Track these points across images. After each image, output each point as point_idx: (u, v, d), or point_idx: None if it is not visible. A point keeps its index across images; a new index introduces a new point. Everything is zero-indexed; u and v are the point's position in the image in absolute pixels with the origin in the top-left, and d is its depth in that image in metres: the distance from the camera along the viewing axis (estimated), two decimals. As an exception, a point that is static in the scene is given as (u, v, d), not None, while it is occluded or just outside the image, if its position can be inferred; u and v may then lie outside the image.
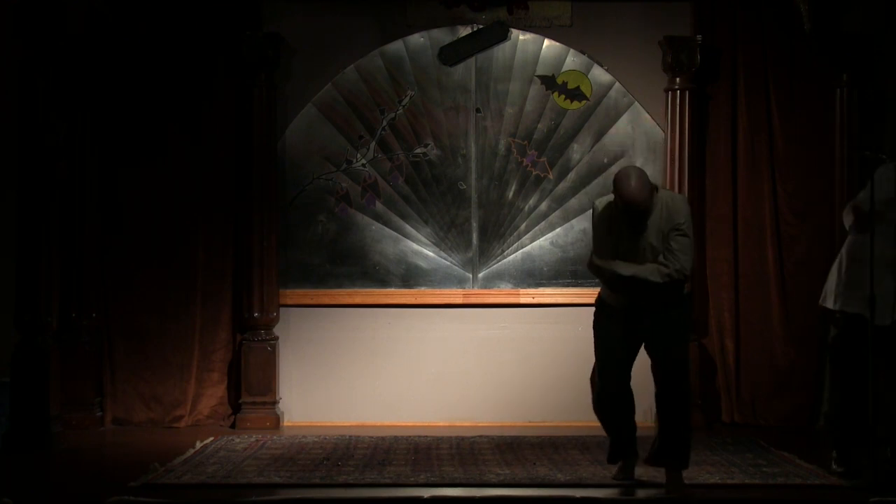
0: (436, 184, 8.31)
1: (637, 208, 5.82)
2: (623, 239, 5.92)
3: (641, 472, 6.27)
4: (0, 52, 7.63)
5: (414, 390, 8.24)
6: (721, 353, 8.14)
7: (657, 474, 6.26)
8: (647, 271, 5.88)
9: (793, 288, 8.10)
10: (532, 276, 8.30)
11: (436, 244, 8.31)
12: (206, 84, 8.15)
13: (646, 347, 6.10)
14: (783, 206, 8.14)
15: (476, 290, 8.30)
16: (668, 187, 7.82)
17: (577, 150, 8.29)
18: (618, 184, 5.85)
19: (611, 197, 6.01)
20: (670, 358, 5.99)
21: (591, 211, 6.14)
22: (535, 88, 8.29)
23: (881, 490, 5.85)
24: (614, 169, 8.01)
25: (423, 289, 8.30)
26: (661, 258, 5.89)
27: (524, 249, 8.30)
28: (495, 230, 8.31)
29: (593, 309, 6.23)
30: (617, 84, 8.27)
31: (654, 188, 5.90)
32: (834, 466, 6.41)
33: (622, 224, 5.91)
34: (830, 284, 6.55)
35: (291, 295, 8.25)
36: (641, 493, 6.09)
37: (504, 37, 8.30)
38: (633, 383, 6.16)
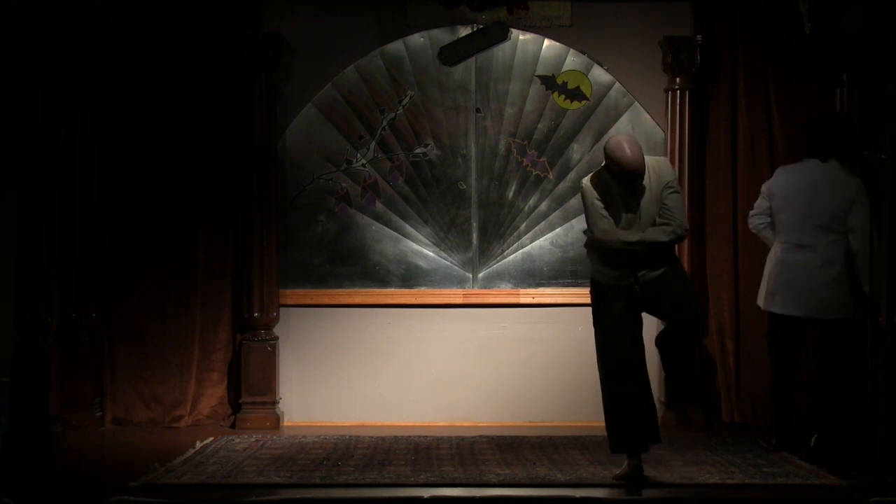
0: (436, 184, 8.31)
1: (636, 172, 5.98)
2: (619, 208, 6.02)
3: (648, 471, 6.26)
4: (0, 52, 7.63)
5: (414, 390, 8.24)
6: (721, 353, 8.14)
7: (657, 474, 6.26)
8: (653, 234, 6.05)
9: (793, 288, 8.10)
10: (532, 276, 8.30)
11: (436, 244, 8.31)
12: (206, 84, 8.15)
13: (655, 311, 6.24)
14: (783, 206, 8.13)
15: (476, 290, 8.30)
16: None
17: (577, 150, 8.29)
18: (614, 153, 6.00)
19: (595, 172, 6.19)
20: (682, 299, 6.12)
21: (580, 195, 6.23)
22: (535, 88, 8.29)
23: (881, 490, 5.86)
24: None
25: (423, 289, 8.30)
26: (658, 219, 6.04)
27: (524, 249, 8.31)
28: (495, 230, 8.31)
29: (591, 298, 6.30)
30: (617, 84, 8.28)
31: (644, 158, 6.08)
32: (773, 442, 7.05)
33: (616, 193, 6.03)
34: (763, 285, 7.18)
35: (291, 295, 8.25)
36: (642, 494, 6.09)
37: (504, 37, 8.30)
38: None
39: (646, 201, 6.06)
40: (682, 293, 6.19)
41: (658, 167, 6.14)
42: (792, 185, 7.08)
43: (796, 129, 8.05)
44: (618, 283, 6.09)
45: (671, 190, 6.09)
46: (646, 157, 6.13)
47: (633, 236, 6.03)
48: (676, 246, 6.36)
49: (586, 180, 6.19)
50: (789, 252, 7.01)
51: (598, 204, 6.08)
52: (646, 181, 6.06)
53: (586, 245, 6.26)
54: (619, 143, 6.02)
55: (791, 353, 7.10)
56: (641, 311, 6.18)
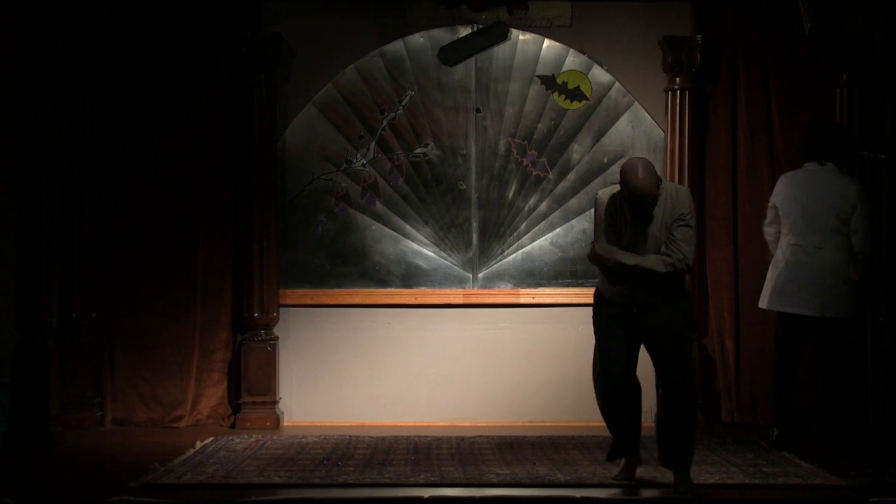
0: (436, 184, 8.31)
1: (645, 199, 5.87)
2: (627, 229, 5.96)
3: (643, 472, 6.27)
4: (0, 52, 7.63)
5: (414, 390, 8.23)
6: (721, 353, 8.14)
7: (658, 474, 6.26)
8: (651, 261, 5.92)
9: (793, 288, 8.10)
10: (532, 276, 8.30)
11: (436, 244, 8.31)
12: (207, 84, 8.15)
13: (646, 347, 6.11)
14: (783, 207, 8.13)
15: (476, 290, 8.29)
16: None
17: (577, 150, 8.29)
18: (626, 175, 5.89)
19: (614, 188, 6.06)
20: (672, 361, 6.00)
21: (592, 208, 6.16)
22: (535, 88, 8.29)
23: (881, 490, 5.86)
24: (615, 168, 8.03)
25: (423, 289, 8.30)
26: (663, 248, 5.93)
27: (524, 249, 8.30)
28: (495, 230, 8.31)
29: (592, 305, 6.25)
30: (617, 84, 8.27)
31: (659, 179, 5.95)
32: (774, 433, 7.10)
33: (627, 214, 5.96)
34: (768, 286, 7.25)
35: (291, 295, 8.25)
36: (642, 493, 6.09)
37: (504, 37, 8.30)
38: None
39: (654, 227, 5.94)
40: (671, 341, 6.00)
41: (676, 196, 6.00)
42: (795, 189, 7.19)
43: (798, 131, 8.06)
44: (617, 299, 6.07)
45: (682, 223, 5.95)
46: (666, 183, 6.06)
47: (630, 259, 5.93)
48: None
49: (602, 193, 6.10)
50: (800, 254, 7.08)
51: (607, 219, 6.02)
52: (660, 207, 5.94)
53: (589, 258, 6.21)
54: (633, 166, 5.91)
55: (797, 352, 7.20)
56: (638, 335, 6.06)
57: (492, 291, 8.29)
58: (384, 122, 8.30)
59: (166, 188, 8.14)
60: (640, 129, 8.24)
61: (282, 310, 8.21)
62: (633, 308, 6.00)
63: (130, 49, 8.12)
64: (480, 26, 8.31)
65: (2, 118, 7.70)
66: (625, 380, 6.11)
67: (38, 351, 7.37)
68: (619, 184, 5.96)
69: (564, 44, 8.28)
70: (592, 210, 6.20)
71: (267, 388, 8.09)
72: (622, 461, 6.24)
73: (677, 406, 5.99)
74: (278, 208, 8.19)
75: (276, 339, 8.17)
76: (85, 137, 8.04)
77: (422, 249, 8.31)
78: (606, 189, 6.13)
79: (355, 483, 6.19)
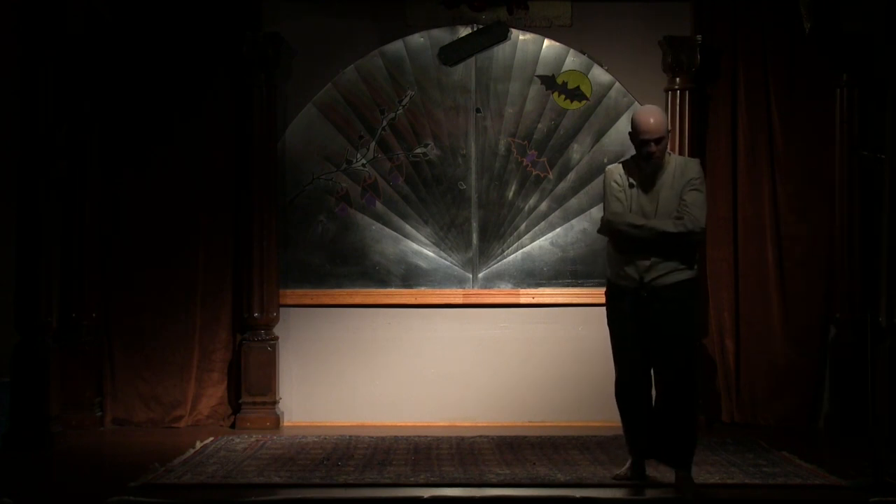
0: (436, 184, 8.32)
1: (648, 134, 5.89)
2: (638, 198, 5.98)
3: (648, 471, 6.25)
4: (0, 52, 7.63)
5: (414, 390, 8.24)
6: (721, 353, 8.14)
7: (658, 474, 6.25)
8: (660, 222, 5.94)
9: (793, 288, 8.10)
10: (532, 276, 8.30)
11: (436, 244, 8.31)
12: (207, 84, 8.16)
13: (650, 329, 5.99)
14: (783, 206, 8.14)
15: (476, 290, 8.30)
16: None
17: (577, 150, 8.29)
18: (635, 117, 5.99)
19: (624, 159, 6.10)
20: (670, 360, 5.95)
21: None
22: (535, 88, 8.29)
23: (881, 490, 5.86)
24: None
25: (423, 289, 8.30)
26: (674, 213, 5.94)
27: (524, 249, 8.31)
28: (495, 230, 8.31)
29: (605, 300, 6.23)
30: (617, 84, 8.28)
31: (668, 132, 5.99)
32: None
33: (638, 183, 5.99)
34: None
35: (291, 295, 8.25)
36: (642, 493, 6.09)
37: (504, 37, 8.30)
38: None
39: (665, 196, 5.97)
40: (675, 337, 5.95)
41: (685, 165, 6.06)
42: None
43: (798, 131, 8.06)
44: (624, 282, 6.01)
45: (692, 187, 5.97)
46: (676, 156, 6.13)
47: (639, 220, 5.95)
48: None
49: (611, 165, 6.17)
50: None
51: (616, 187, 6.03)
52: (669, 176, 5.98)
53: (599, 231, 6.21)
54: (645, 108, 6.09)
55: None
56: (646, 323, 5.99)
57: (492, 291, 8.30)
58: (384, 122, 8.30)
59: (166, 188, 8.14)
60: (640, 129, 8.23)
61: (282, 310, 8.21)
62: (642, 292, 5.95)
63: (130, 49, 8.12)
64: (480, 26, 8.31)
65: (2, 118, 7.69)
66: (636, 372, 6.06)
67: (38, 351, 7.38)
68: (630, 133, 6.00)
69: (564, 44, 8.28)
70: (601, 191, 6.17)
71: (267, 388, 8.09)
72: (627, 461, 6.22)
73: (673, 405, 5.96)
74: (278, 208, 8.20)
75: (276, 339, 8.17)
76: (85, 138, 8.05)
77: (422, 249, 8.31)
78: (613, 164, 6.19)
79: (355, 483, 6.19)
